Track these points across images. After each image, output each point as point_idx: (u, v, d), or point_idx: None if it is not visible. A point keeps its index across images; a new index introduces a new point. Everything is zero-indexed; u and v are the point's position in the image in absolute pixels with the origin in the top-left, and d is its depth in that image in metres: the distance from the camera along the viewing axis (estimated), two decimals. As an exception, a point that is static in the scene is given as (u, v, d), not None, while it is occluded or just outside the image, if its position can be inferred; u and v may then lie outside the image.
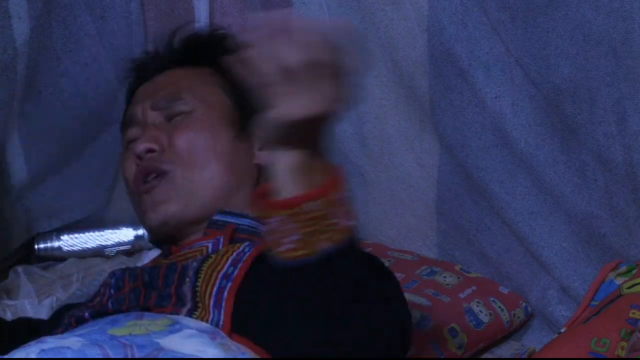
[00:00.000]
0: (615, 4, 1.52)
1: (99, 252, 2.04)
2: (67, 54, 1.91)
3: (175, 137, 1.50)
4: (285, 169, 1.13)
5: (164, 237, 1.50)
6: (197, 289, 1.31)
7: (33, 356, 1.15)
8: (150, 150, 1.50)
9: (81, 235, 2.04)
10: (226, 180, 1.50)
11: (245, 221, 1.48)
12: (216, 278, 1.31)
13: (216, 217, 1.48)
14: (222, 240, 1.43)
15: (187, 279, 1.33)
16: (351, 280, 1.15)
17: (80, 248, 2.03)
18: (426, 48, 1.75)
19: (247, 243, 1.38)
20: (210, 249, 1.42)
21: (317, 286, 1.15)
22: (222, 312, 1.28)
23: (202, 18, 2.01)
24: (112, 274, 1.44)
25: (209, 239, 1.44)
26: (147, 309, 1.32)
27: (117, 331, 1.20)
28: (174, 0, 2.01)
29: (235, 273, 1.31)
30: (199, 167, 1.49)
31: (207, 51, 1.64)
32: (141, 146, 1.50)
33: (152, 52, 1.68)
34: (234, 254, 1.35)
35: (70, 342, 1.17)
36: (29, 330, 1.48)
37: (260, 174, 1.56)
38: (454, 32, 1.71)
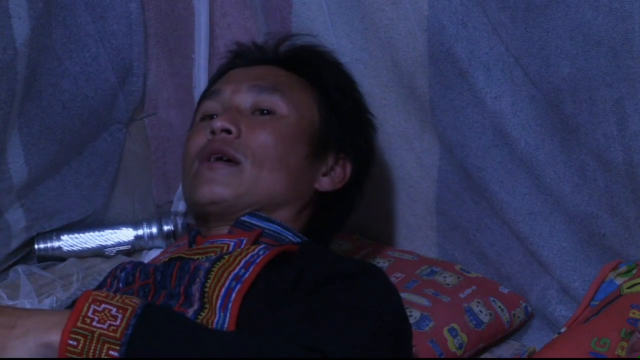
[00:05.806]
0: (615, 4, 1.52)
1: (99, 252, 2.04)
2: (67, 54, 1.91)
3: (258, 132, 1.52)
4: None
5: (201, 215, 1.51)
6: (205, 289, 1.30)
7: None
8: (227, 131, 1.51)
9: (81, 235, 2.04)
10: (284, 192, 1.52)
11: (272, 226, 1.49)
12: (226, 279, 1.31)
13: (244, 218, 1.48)
14: (244, 242, 1.43)
15: (197, 279, 1.33)
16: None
17: (80, 248, 2.03)
18: (426, 48, 1.75)
19: (262, 246, 1.38)
20: (231, 248, 1.42)
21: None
22: (228, 314, 1.27)
23: (202, 18, 2.01)
24: (123, 267, 1.43)
25: (232, 237, 1.45)
26: None
27: None
28: (174, 0, 2.01)
29: (246, 275, 1.31)
30: (267, 170, 1.50)
31: (312, 63, 1.66)
32: (219, 123, 1.51)
33: (257, 44, 1.72)
34: (248, 255, 1.34)
35: None
36: None
37: (316, 199, 1.57)
38: (454, 32, 1.71)
